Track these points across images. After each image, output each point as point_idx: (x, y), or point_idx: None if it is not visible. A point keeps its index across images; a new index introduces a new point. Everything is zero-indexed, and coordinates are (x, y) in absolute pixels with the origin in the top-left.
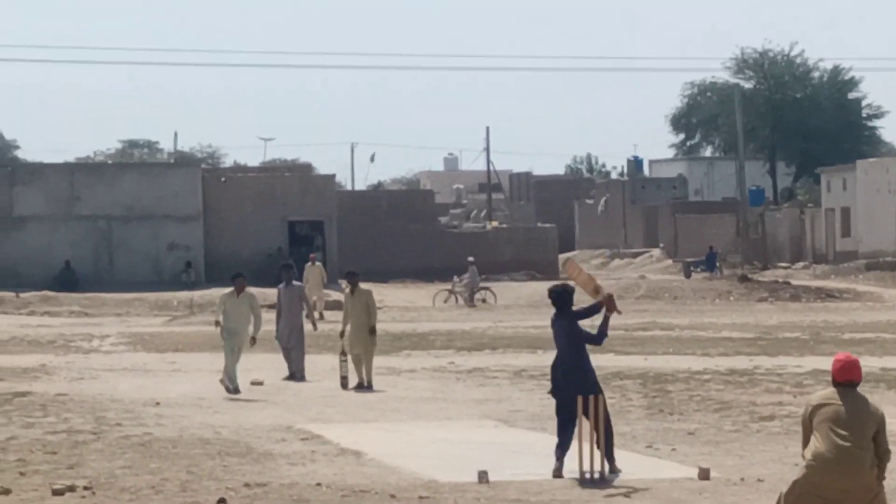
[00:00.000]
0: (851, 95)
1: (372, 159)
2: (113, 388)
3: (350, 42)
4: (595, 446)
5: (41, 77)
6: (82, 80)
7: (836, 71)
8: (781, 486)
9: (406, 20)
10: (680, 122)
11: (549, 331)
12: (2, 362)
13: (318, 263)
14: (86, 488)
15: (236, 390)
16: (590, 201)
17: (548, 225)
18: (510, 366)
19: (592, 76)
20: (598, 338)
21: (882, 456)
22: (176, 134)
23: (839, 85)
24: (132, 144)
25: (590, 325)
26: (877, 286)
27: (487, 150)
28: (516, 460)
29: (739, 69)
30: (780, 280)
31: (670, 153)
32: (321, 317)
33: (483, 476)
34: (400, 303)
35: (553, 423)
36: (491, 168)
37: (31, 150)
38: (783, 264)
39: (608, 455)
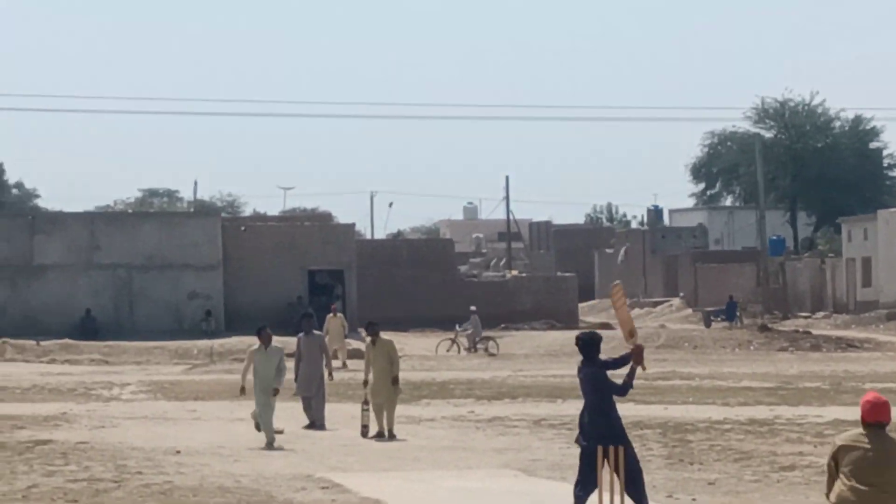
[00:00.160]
0: (873, 145)
1: (391, 207)
2: (133, 437)
3: (369, 91)
4: (617, 497)
5: (61, 126)
6: (102, 128)
7: (858, 120)
8: None
9: (424, 69)
10: (700, 171)
11: (569, 380)
12: (23, 410)
13: (339, 314)
14: None
15: (272, 445)
16: (610, 250)
17: (567, 274)
18: (530, 415)
19: (612, 125)
20: (623, 389)
21: None
22: (196, 183)
23: (860, 134)
24: (152, 193)
25: (615, 374)
26: None
27: (507, 199)
28: None
29: (760, 119)
30: (801, 330)
31: (690, 202)
32: (344, 365)
33: None
34: (419, 351)
35: (574, 472)
36: (510, 217)
37: (52, 199)
38: (804, 314)
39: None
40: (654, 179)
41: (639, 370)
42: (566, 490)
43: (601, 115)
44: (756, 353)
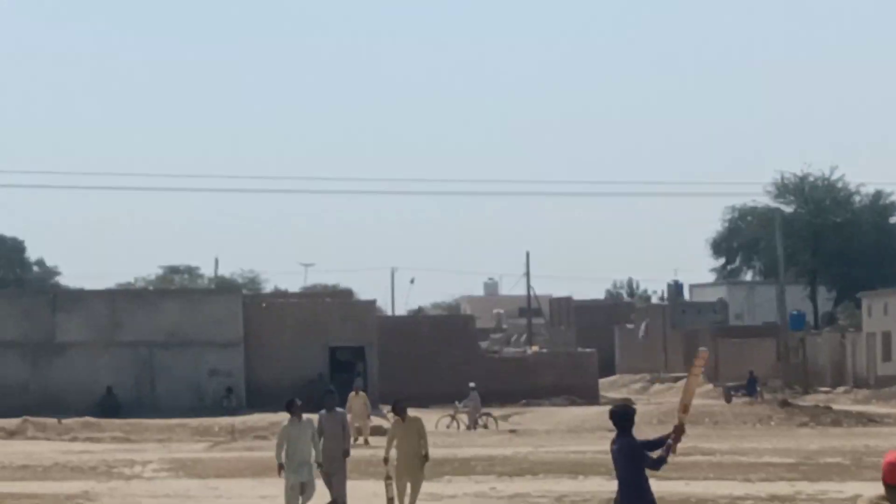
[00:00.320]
0: (893, 220)
1: (412, 283)
2: None
3: (389, 168)
4: None
5: (81, 203)
6: (122, 206)
7: (877, 195)
8: None
9: (444, 146)
10: (720, 246)
11: (590, 456)
12: (45, 489)
13: (361, 392)
14: None
15: None
16: (630, 326)
17: (588, 350)
18: (551, 491)
19: (632, 200)
20: (658, 463)
21: None
22: (216, 260)
23: (880, 209)
24: (173, 270)
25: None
26: None
27: (527, 274)
28: None
29: (780, 193)
30: (821, 405)
31: (711, 277)
32: (366, 442)
33: None
34: (441, 427)
35: None
36: (531, 293)
37: (73, 277)
38: (824, 389)
39: None
40: (674, 254)
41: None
42: None
43: (621, 190)
44: (777, 429)
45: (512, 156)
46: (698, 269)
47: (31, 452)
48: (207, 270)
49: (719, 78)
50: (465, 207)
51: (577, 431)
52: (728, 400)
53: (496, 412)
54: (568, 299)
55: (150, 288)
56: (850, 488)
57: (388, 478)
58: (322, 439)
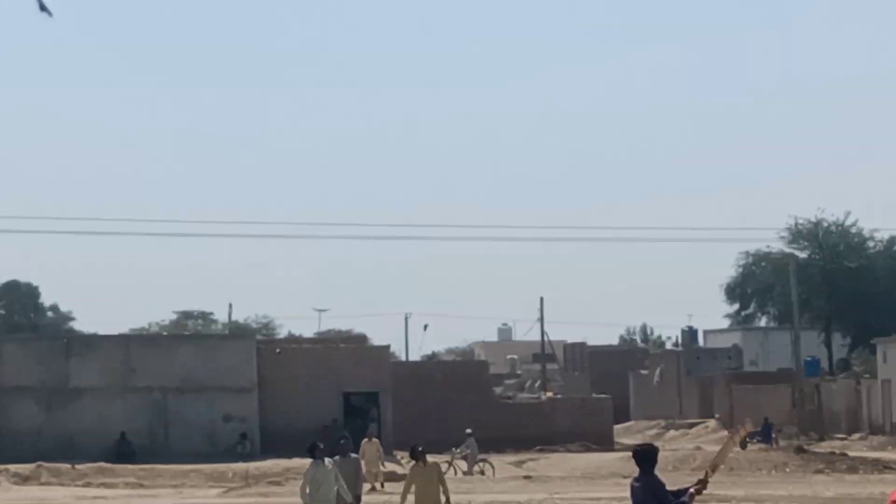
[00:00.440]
0: None
1: (426, 328)
2: None
3: (403, 214)
4: None
5: (96, 249)
6: (136, 251)
7: (892, 241)
8: None
9: (459, 191)
10: (735, 291)
11: (605, 503)
12: None
13: (374, 439)
14: None
15: None
16: (644, 371)
17: (602, 395)
18: None
19: (646, 246)
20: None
21: None
22: (230, 305)
23: (894, 255)
24: (187, 315)
25: None
26: None
27: (541, 320)
28: None
29: (794, 239)
30: (837, 451)
31: (725, 323)
32: (382, 486)
33: None
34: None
35: None
36: (545, 338)
37: (87, 322)
38: (840, 435)
39: None
40: (688, 300)
41: None
42: None
43: (634, 236)
44: (792, 475)
45: (526, 202)
46: (713, 314)
47: (44, 498)
48: (221, 316)
49: (734, 123)
50: (479, 253)
51: (592, 478)
52: (743, 446)
53: (510, 458)
54: (582, 345)
55: (164, 333)
56: None
57: None
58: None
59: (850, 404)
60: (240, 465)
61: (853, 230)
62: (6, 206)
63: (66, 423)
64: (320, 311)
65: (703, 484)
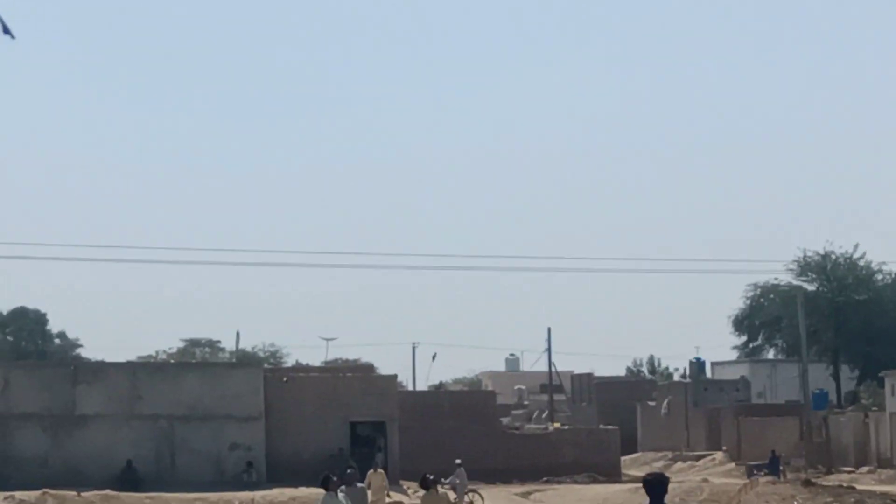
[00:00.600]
0: None
1: (433, 358)
2: None
3: (411, 243)
4: None
5: (104, 276)
6: (144, 279)
7: None
8: None
9: (466, 221)
10: (743, 323)
11: None
12: None
13: (379, 470)
14: None
15: None
16: (652, 403)
17: (610, 427)
18: None
19: (654, 278)
20: None
21: None
22: (238, 333)
23: None
24: (194, 343)
25: None
26: None
27: (549, 351)
28: None
29: (802, 271)
30: (845, 485)
31: (733, 355)
32: None
33: None
34: None
35: None
36: (552, 369)
37: (94, 349)
38: (847, 468)
39: None
40: (696, 331)
41: None
42: None
43: (643, 267)
44: None
45: (534, 232)
46: (720, 346)
47: None
48: (229, 344)
49: (741, 155)
50: (487, 283)
51: None
52: (750, 478)
53: (516, 489)
54: (589, 375)
55: (172, 361)
56: None
57: None
58: None
59: (858, 437)
60: (246, 494)
61: (861, 263)
62: (15, 232)
63: (73, 451)
64: (328, 339)
65: None
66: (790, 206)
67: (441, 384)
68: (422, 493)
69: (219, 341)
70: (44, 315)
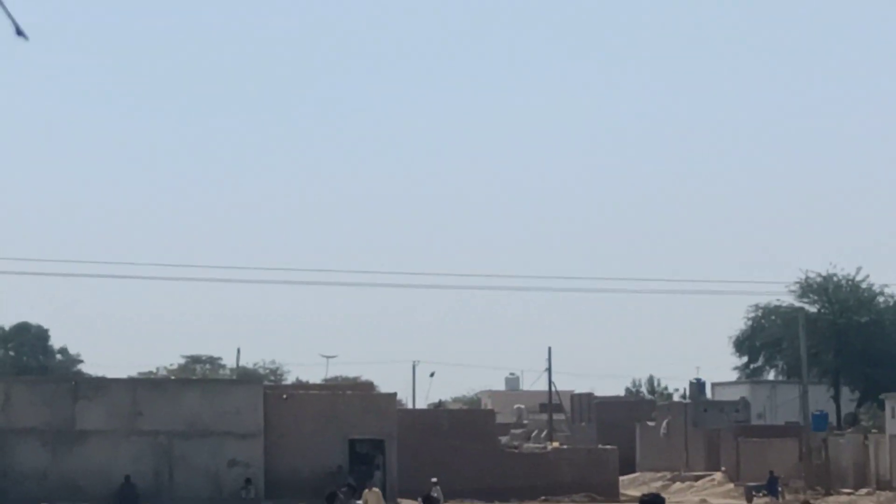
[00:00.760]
0: None
1: (432, 376)
2: None
3: (411, 262)
4: None
5: (105, 293)
6: (146, 295)
7: None
8: None
9: (467, 240)
10: (743, 344)
11: None
12: None
13: (375, 489)
14: None
15: None
16: (651, 423)
17: (609, 446)
18: None
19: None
20: None
21: None
22: (238, 350)
23: None
24: (195, 360)
25: None
26: None
27: (549, 370)
28: None
29: (804, 293)
30: None
31: (733, 376)
32: None
33: None
34: None
35: None
36: (552, 388)
37: (95, 365)
38: (846, 490)
39: None
40: (696, 352)
41: None
42: None
43: (644, 287)
44: None
45: (534, 251)
46: (721, 367)
47: None
48: (229, 361)
49: (742, 176)
50: (488, 302)
51: None
52: (749, 499)
53: None
54: (589, 395)
55: (172, 377)
56: None
57: None
58: None
59: (858, 459)
60: None
61: (863, 285)
62: (17, 248)
63: (72, 466)
64: (328, 357)
65: None
66: (792, 228)
67: (440, 402)
68: None
69: (219, 358)
70: (45, 330)
